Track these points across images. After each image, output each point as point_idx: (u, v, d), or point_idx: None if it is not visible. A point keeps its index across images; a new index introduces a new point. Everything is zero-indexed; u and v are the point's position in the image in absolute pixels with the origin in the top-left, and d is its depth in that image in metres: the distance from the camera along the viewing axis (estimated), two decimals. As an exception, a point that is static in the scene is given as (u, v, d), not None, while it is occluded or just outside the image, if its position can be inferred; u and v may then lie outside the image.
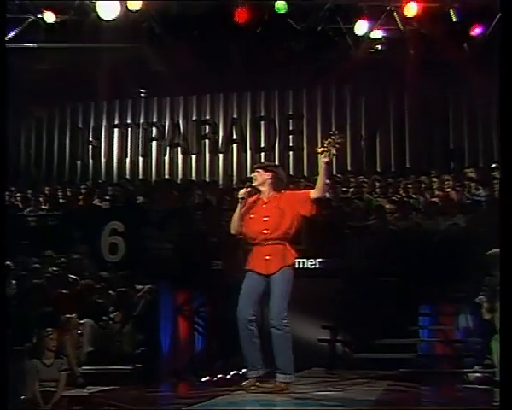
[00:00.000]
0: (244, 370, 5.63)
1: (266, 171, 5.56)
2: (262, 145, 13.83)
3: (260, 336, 5.43)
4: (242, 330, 5.38)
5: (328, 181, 5.56)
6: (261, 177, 5.54)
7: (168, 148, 14.08)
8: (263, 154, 13.73)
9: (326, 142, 5.31)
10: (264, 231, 5.42)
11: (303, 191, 5.77)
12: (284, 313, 5.36)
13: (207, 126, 14.03)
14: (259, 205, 5.53)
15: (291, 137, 13.73)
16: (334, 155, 5.32)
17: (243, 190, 5.50)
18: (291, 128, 13.75)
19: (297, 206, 5.48)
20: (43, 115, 14.38)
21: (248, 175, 11.49)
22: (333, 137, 5.29)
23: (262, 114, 13.85)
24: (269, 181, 5.53)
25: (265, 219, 5.44)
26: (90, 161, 14.25)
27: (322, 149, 5.31)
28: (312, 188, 5.59)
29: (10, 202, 11.41)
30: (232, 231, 5.58)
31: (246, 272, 5.50)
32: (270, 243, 5.41)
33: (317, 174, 5.59)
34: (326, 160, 5.30)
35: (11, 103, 12.63)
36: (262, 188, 5.54)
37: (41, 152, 14.43)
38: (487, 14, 11.13)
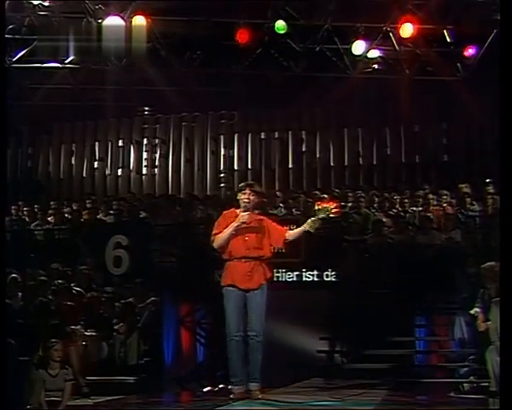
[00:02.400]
0: (230, 386, 5.84)
1: (253, 193, 5.78)
2: (262, 161, 14.05)
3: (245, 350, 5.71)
4: (232, 346, 5.67)
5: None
6: (249, 198, 5.75)
7: (171, 163, 14.30)
8: (263, 170, 13.97)
9: (319, 207, 5.63)
10: (247, 250, 5.71)
11: (281, 228, 5.99)
12: (262, 326, 5.69)
13: (210, 143, 14.26)
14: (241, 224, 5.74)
15: (291, 155, 13.95)
16: (321, 219, 5.63)
17: (246, 216, 5.69)
18: (291, 146, 13.97)
19: (272, 239, 5.82)
20: (49, 132, 14.58)
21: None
22: (326, 206, 5.62)
23: (262, 131, 14.09)
24: (254, 203, 5.79)
25: (247, 238, 5.72)
26: (96, 176, 14.47)
27: (318, 206, 5.64)
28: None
29: (17, 216, 11.57)
30: (216, 247, 5.80)
31: (224, 288, 5.73)
32: (250, 260, 5.70)
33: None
34: (308, 230, 5.66)
35: (18, 120, 13.03)
36: (247, 207, 5.75)
37: (47, 167, 14.63)
38: (480, 36, 11.38)
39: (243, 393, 5.67)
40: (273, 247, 5.92)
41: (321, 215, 5.63)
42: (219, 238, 5.74)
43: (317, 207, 5.69)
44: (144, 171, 14.38)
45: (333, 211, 5.65)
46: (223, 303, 5.75)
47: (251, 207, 5.75)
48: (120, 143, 14.51)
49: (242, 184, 5.97)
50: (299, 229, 5.83)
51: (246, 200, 5.72)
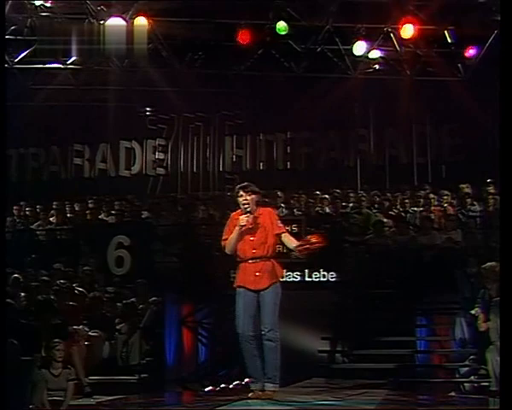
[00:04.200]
0: (246, 380, 5.86)
1: (251, 194, 5.78)
2: (263, 162, 14.10)
3: (259, 350, 5.69)
4: (244, 346, 5.66)
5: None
6: (247, 199, 5.74)
7: (173, 164, 14.34)
8: (264, 170, 14.01)
9: (305, 244, 5.63)
10: (253, 251, 5.72)
11: (280, 226, 5.90)
12: (276, 326, 5.68)
13: (211, 143, 14.31)
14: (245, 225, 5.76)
15: (291, 155, 13.99)
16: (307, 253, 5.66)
17: (245, 218, 5.69)
18: (291, 147, 14.01)
19: (271, 228, 5.78)
20: (52, 132, 14.62)
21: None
22: (314, 241, 5.61)
23: (263, 132, 14.13)
24: (253, 203, 5.78)
25: (252, 238, 5.73)
26: (98, 176, 14.52)
27: (303, 246, 5.63)
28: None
29: (19, 217, 11.62)
30: (228, 252, 5.82)
31: (236, 289, 5.75)
32: (258, 260, 5.71)
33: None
34: (299, 255, 5.70)
35: (20, 120, 13.06)
36: (248, 209, 5.76)
37: (50, 167, 14.68)
38: (481, 36, 11.40)
39: (259, 392, 5.66)
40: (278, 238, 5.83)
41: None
42: (228, 244, 5.79)
43: (300, 248, 5.66)
44: (146, 171, 14.42)
45: (315, 247, 5.61)
46: (234, 304, 5.78)
47: (251, 208, 5.76)
48: (122, 143, 14.56)
49: (237, 187, 5.96)
50: (293, 244, 5.78)
51: (244, 202, 5.73)
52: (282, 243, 5.87)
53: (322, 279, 8.93)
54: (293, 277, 9.07)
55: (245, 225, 5.67)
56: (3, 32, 9.77)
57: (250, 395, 5.66)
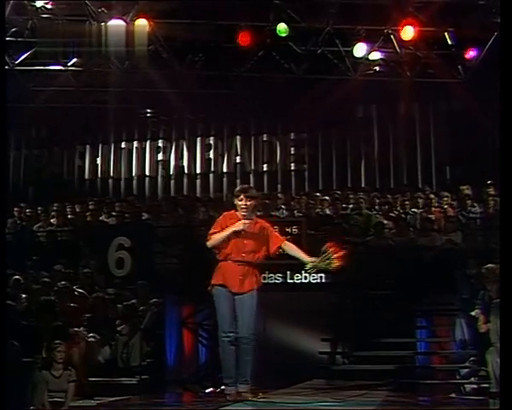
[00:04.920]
0: (223, 386, 5.89)
1: (251, 199, 5.77)
2: (264, 163, 14.12)
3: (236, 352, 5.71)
4: (225, 347, 5.68)
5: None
6: (246, 204, 5.73)
7: (173, 165, 14.36)
8: (265, 171, 14.03)
9: (323, 257, 5.63)
10: (243, 255, 5.72)
11: (278, 236, 5.97)
12: (253, 329, 5.71)
13: (212, 144, 14.32)
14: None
15: (292, 157, 14.01)
16: (324, 268, 5.67)
17: (248, 223, 5.69)
18: (292, 149, 14.03)
19: (269, 242, 5.79)
20: (52, 133, 14.66)
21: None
22: (330, 253, 5.62)
23: (264, 133, 14.14)
24: (252, 208, 5.79)
25: (245, 242, 5.73)
26: (98, 178, 14.52)
27: (319, 261, 5.63)
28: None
29: (20, 218, 11.63)
30: (209, 245, 5.81)
31: (214, 287, 5.74)
32: (244, 264, 5.72)
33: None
34: (306, 265, 5.68)
35: (21, 122, 13.07)
36: (245, 214, 5.75)
37: (50, 169, 14.69)
38: (481, 38, 11.42)
39: (236, 395, 5.67)
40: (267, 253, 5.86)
41: (324, 265, 5.63)
42: (214, 238, 5.74)
43: (323, 255, 5.63)
44: (147, 173, 14.44)
45: (336, 263, 5.61)
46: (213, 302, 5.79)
47: (249, 214, 5.75)
48: (122, 145, 14.58)
49: (237, 189, 5.95)
50: (299, 253, 5.82)
51: (243, 206, 5.72)
52: (284, 252, 5.85)
53: (322, 281, 8.93)
54: (294, 278, 9.07)
55: (244, 230, 5.66)
56: (3, 34, 9.78)
57: (228, 398, 5.66)
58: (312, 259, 5.70)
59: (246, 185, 6.00)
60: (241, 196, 5.75)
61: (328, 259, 5.64)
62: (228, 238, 5.70)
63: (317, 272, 5.71)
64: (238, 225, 5.68)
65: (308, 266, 5.73)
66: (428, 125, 13.39)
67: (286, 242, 5.91)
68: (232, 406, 5.54)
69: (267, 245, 5.80)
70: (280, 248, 5.83)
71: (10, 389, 5.60)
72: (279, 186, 13.74)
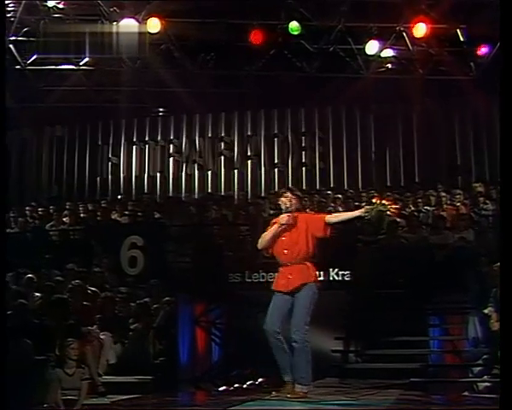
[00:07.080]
0: (260, 380, 5.90)
1: (294, 197, 5.91)
2: (276, 161, 14.11)
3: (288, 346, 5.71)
4: (272, 341, 5.70)
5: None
6: (290, 202, 5.86)
7: (185, 164, 14.39)
8: (276, 170, 14.03)
9: (375, 206, 5.63)
10: (285, 251, 5.78)
11: (318, 216, 6.12)
12: (304, 328, 5.66)
13: (223, 143, 14.34)
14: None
15: (304, 153, 14.00)
16: (379, 211, 5.64)
17: (286, 217, 5.78)
18: (304, 145, 14.02)
19: (312, 228, 5.81)
20: (64, 133, 14.72)
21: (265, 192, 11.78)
22: (380, 204, 5.62)
23: (276, 132, 14.14)
24: (295, 206, 5.89)
25: (283, 238, 5.80)
26: (110, 177, 14.58)
27: (372, 209, 5.64)
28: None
29: (32, 217, 11.69)
30: (259, 247, 5.95)
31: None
32: (291, 262, 5.77)
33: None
34: (363, 215, 5.66)
35: (32, 121, 13.12)
36: (289, 210, 5.86)
37: (62, 168, 14.75)
38: (493, 35, 11.34)
39: (287, 391, 5.67)
40: (316, 238, 5.82)
41: (377, 213, 5.60)
42: (262, 239, 5.89)
43: (375, 206, 5.62)
44: (159, 171, 14.47)
45: (387, 212, 5.62)
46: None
47: (292, 211, 5.84)
48: (134, 144, 14.62)
49: (283, 188, 6.18)
50: (346, 215, 5.94)
51: (288, 203, 5.85)
52: (332, 224, 5.81)
53: (335, 279, 8.91)
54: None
55: (284, 224, 5.74)
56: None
57: (283, 387, 5.69)
58: (362, 210, 5.70)
59: (292, 186, 6.15)
60: (288, 194, 5.90)
61: (380, 209, 5.61)
62: (273, 238, 5.80)
63: (370, 224, 5.64)
64: (280, 221, 5.78)
65: (364, 214, 5.66)
66: (440, 123, 13.32)
67: (327, 216, 5.93)
68: (245, 405, 5.56)
69: (313, 230, 5.77)
70: (327, 224, 5.79)
71: (23, 387, 5.65)
72: (290, 184, 13.71)
